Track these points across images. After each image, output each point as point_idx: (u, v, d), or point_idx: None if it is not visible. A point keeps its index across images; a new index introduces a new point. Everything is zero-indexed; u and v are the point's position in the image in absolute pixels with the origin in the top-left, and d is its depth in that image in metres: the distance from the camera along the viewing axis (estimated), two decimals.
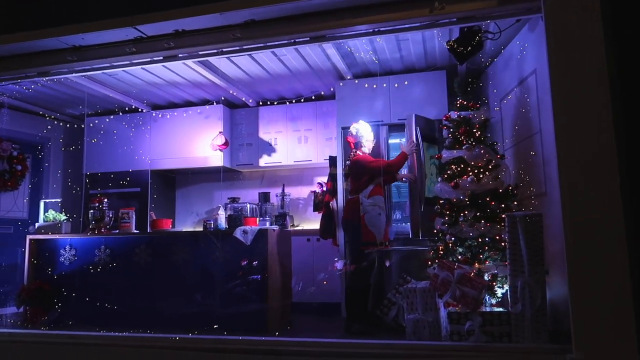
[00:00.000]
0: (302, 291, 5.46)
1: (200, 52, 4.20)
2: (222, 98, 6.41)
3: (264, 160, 6.49)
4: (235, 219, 4.74)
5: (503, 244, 3.68)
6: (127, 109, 6.61)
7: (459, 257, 3.82)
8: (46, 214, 5.46)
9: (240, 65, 5.35)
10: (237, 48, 4.11)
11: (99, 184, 6.55)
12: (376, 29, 3.76)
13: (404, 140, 5.02)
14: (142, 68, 5.01)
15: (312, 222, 6.38)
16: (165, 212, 6.79)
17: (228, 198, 6.13)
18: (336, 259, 5.28)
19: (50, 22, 4.07)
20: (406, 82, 5.44)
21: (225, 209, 5.30)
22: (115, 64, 4.38)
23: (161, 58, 4.28)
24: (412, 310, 3.82)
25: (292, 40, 3.95)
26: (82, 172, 6.69)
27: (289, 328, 4.64)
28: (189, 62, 4.84)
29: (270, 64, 5.35)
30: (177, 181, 7.19)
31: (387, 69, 5.55)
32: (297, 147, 6.39)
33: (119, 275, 4.82)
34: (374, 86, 5.50)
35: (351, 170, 4.78)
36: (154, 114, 6.71)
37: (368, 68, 5.54)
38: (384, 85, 5.48)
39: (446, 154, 4.14)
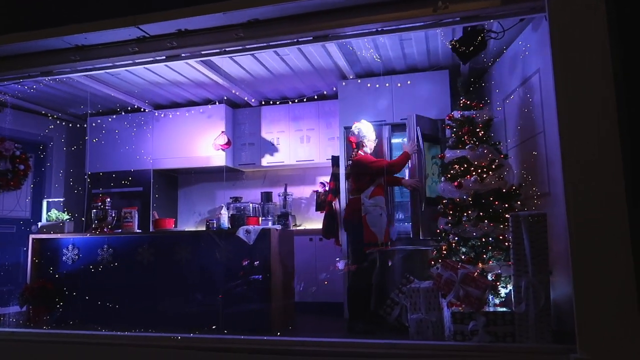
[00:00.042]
0: (304, 291, 5.46)
1: (203, 52, 4.20)
2: (225, 98, 6.41)
3: (267, 160, 6.49)
4: (238, 219, 4.75)
5: (507, 243, 3.67)
6: (129, 108, 6.63)
7: (463, 256, 3.82)
8: (49, 213, 5.46)
9: (243, 64, 5.35)
10: (240, 48, 4.10)
11: (101, 184, 6.56)
12: (379, 29, 3.75)
13: (405, 139, 5.01)
14: (144, 67, 5.01)
15: (315, 222, 6.37)
16: (168, 211, 6.80)
17: (230, 198, 6.14)
18: (338, 258, 5.28)
19: (53, 21, 4.07)
20: (409, 82, 5.42)
21: (227, 209, 5.31)
22: (118, 63, 4.38)
23: (164, 57, 4.27)
24: (415, 310, 3.82)
25: (295, 40, 3.94)
26: (85, 171, 6.69)
27: (290, 328, 4.64)
28: (192, 61, 4.84)
29: (273, 64, 5.35)
30: (179, 181, 7.19)
31: (390, 68, 5.54)
32: (299, 146, 6.38)
33: (121, 275, 4.83)
34: (377, 86, 5.50)
35: (352, 170, 4.77)
36: (156, 114, 6.71)
37: (371, 67, 5.53)
38: (387, 84, 5.47)
39: (449, 154, 4.13)
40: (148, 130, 6.68)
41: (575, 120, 2.92)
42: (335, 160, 5.61)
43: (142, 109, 6.69)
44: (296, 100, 6.42)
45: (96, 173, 6.65)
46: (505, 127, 4.78)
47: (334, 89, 6.00)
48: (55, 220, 5.30)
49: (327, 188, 5.89)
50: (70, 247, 5.02)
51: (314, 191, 6.50)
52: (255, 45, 4.06)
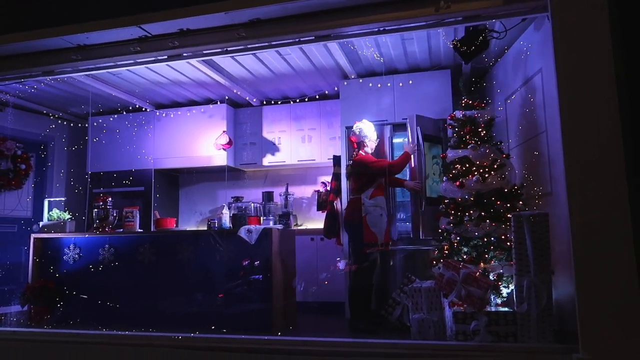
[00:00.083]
0: (306, 290, 5.46)
1: (205, 51, 4.20)
2: (226, 97, 6.41)
3: (268, 160, 6.49)
4: (240, 218, 4.75)
5: (508, 243, 3.67)
6: (130, 108, 6.63)
7: (464, 256, 3.81)
8: (50, 212, 5.47)
9: (245, 64, 5.35)
10: (242, 47, 4.10)
11: (102, 183, 6.57)
12: (382, 28, 3.75)
13: (406, 140, 5.02)
14: (146, 67, 5.01)
15: (316, 222, 6.37)
16: (169, 211, 6.80)
17: (231, 197, 6.15)
18: (338, 258, 5.28)
19: (55, 21, 4.07)
20: (410, 82, 5.42)
21: (229, 208, 5.30)
22: (119, 63, 4.38)
23: (166, 57, 4.28)
24: (417, 310, 3.82)
25: (297, 40, 3.94)
26: (86, 171, 6.69)
27: (292, 328, 4.64)
28: (193, 61, 4.83)
29: (275, 63, 5.35)
30: (180, 180, 7.19)
31: (392, 68, 5.54)
32: (300, 146, 6.38)
33: (123, 274, 4.83)
34: (379, 85, 5.49)
35: (353, 170, 4.76)
36: (157, 113, 6.71)
37: (372, 67, 5.53)
38: (388, 84, 5.47)
39: (451, 153, 4.13)
40: (149, 130, 6.68)
41: (577, 120, 2.92)
42: (336, 160, 5.60)
43: (143, 109, 6.69)
44: (298, 100, 6.41)
45: (97, 173, 6.65)
46: (507, 127, 4.78)
47: (336, 88, 6.00)
48: (57, 220, 5.30)
49: (328, 188, 5.89)
50: (71, 246, 5.03)
51: (315, 191, 6.50)
52: (257, 45, 4.06)
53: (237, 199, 6.12)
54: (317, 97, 6.30)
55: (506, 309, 3.52)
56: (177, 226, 6.04)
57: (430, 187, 4.88)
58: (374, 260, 4.47)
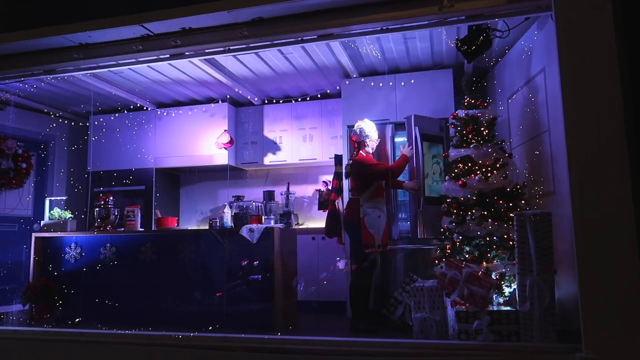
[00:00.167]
0: (307, 289, 5.46)
1: (207, 50, 4.20)
2: (228, 96, 6.40)
3: (269, 159, 6.48)
4: (242, 217, 4.74)
5: (511, 242, 3.67)
6: (132, 107, 6.62)
7: (467, 255, 3.81)
8: (51, 211, 5.46)
9: (246, 63, 5.34)
10: (244, 46, 4.11)
11: (102, 182, 6.56)
12: (384, 27, 3.75)
13: (404, 139, 5.02)
14: (148, 66, 5.02)
15: (317, 221, 6.37)
16: (170, 210, 6.79)
17: (233, 196, 6.14)
18: (338, 258, 5.27)
19: (57, 19, 4.07)
20: (412, 81, 5.42)
21: (230, 207, 5.29)
22: (121, 61, 4.38)
23: (168, 56, 4.28)
24: (419, 309, 3.81)
25: (300, 39, 3.95)
26: (87, 170, 6.68)
27: (293, 327, 4.63)
28: (195, 60, 4.82)
29: (277, 62, 5.34)
30: (181, 179, 7.18)
31: (394, 67, 5.53)
32: (302, 145, 6.38)
33: (124, 273, 4.83)
34: (380, 84, 5.49)
35: (352, 170, 4.75)
36: (159, 112, 6.71)
37: (374, 66, 5.53)
38: (390, 83, 5.47)
39: (453, 153, 4.13)
40: (150, 129, 6.67)
41: (581, 119, 2.92)
42: (338, 159, 5.60)
43: (144, 108, 6.68)
44: (299, 99, 6.41)
45: (97, 172, 6.64)
46: (509, 126, 4.78)
47: (338, 87, 6.00)
48: (58, 219, 5.29)
49: (329, 187, 5.88)
50: (72, 245, 5.02)
51: (316, 190, 6.50)
52: (259, 44, 4.06)
53: (238, 198, 6.10)
54: (319, 96, 6.30)
55: (509, 308, 3.52)
56: (178, 225, 6.03)
57: (429, 186, 4.88)
58: (373, 261, 4.46)
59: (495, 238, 3.75)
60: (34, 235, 5.15)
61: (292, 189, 6.30)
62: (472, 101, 4.16)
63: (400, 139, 5.35)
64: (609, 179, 2.84)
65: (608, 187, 2.84)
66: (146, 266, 4.78)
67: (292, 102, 6.45)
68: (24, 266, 5.39)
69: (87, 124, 6.79)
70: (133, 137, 6.67)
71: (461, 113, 4.18)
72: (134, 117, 6.70)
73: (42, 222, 5.37)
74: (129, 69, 5.08)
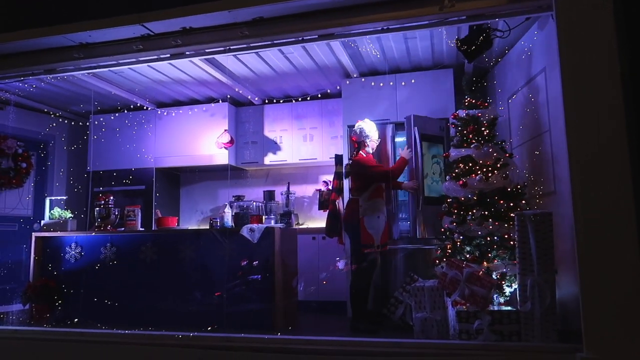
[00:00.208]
0: (307, 289, 5.46)
1: (207, 50, 4.19)
2: (228, 96, 6.40)
3: (269, 159, 6.48)
4: (242, 217, 4.74)
5: (512, 242, 3.67)
6: (132, 106, 6.62)
7: (467, 255, 3.81)
8: (52, 211, 5.45)
9: (247, 62, 5.34)
10: (245, 46, 4.11)
11: (103, 182, 6.55)
12: (385, 27, 3.74)
13: (404, 139, 5.02)
14: (148, 65, 5.02)
15: (317, 221, 6.37)
16: (170, 210, 6.79)
17: (233, 196, 6.14)
18: (338, 258, 5.27)
19: (57, 19, 4.06)
20: (413, 81, 5.42)
21: (231, 207, 5.29)
22: (122, 61, 4.38)
23: (168, 55, 4.28)
24: (420, 309, 3.81)
25: (300, 38, 3.94)
26: (87, 169, 6.68)
27: (294, 327, 4.63)
28: (196, 59, 4.82)
29: (277, 62, 5.34)
30: (181, 179, 7.18)
31: (394, 67, 5.53)
32: (302, 145, 6.38)
33: (124, 273, 4.82)
34: (381, 84, 5.49)
35: (352, 170, 4.75)
36: (159, 112, 6.70)
37: (375, 66, 5.53)
38: (391, 83, 5.47)
39: (454, 152, 4.12)
40: (150, 129, 6.67)
41: (582, 118, 2.92)
42: (339, 159, 5.60)
43: (144, 107, 6.68)
44: (300, 99, 6.42)
45: (97, 171, 6.63)
46: (509, 126, 4.78)
47: (338, 87, 6.00)
48: (59, 219, 5.29)
49: (330, 187, 5.88)
50: (73, 245, 5.01)
51: (316, 190, 6.50)
52: (260, 44, 4.05)
53: (239, 197, 6.11)
54: (319, 95, 6.30)
55: (509, 308, 3.52)
56: (178, 225, 6.03)
57: (429, 186, 4.88)
58: (373, 261, 4.45)
59: (496, 238, 3.75)
60: (34, 234, 5.14)
61: (292, 188, 6.29)
62: (473, 101, 4.16)
63: (400, 139, 5.35)
64: (610, 179, 2.84)
65: (609, 187, 2.83)
66: (146, 266, 4.78)
67: (292, 101, 6.45)
68: (24, 266, 5.39)
69: (87, 123, 6.78)
70: (133, 136, 6.67)
71: (462, 113, 4.17)
72: (134, 116, 6.70)
73: (43, 222, 5.37)
74: (129, 68, 5.08)
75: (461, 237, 3.90)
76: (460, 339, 3.44)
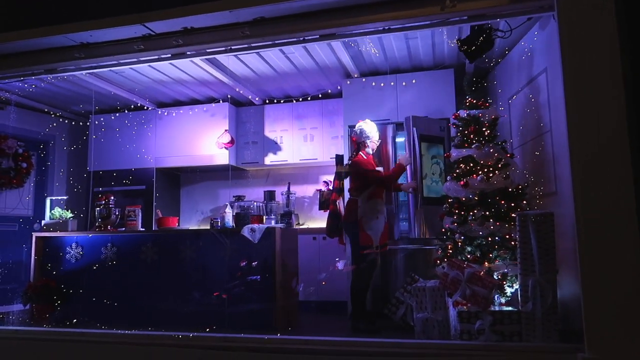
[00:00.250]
0: (308, 289, 5.45)
1: (209, 50, 4.19)
2: (228, 96, 6.40)
3: (270, 159, 6.48)
4: (243, 217, 4.73)
5: (513, 242, 3.67)
6: (132, 106, 6.62)
7: (468, 256, 3.81)
8: (52, 211, 5.45)
9: (248, 63, 5.34)
10: (246, 46, 4.10)
11: (103, 182, 6.55)
12: (387, 27, 3.74)
13: (404, 139, 5.01)
14: (149, 65, 5.01)
15: (318, 221, 6.37)
16: (170, 210, 6.78)
17: (233, 196, 6.13)
18: (337, 258, 5.27)
19: (58, 19, 4.05)
20: (414, 81, 5.42)
21: (231, 207, 5.29)
22: (123, 61, 4.37)
23: (169, 55, 4.27)
24: (421, 309, 3.81)
25: (302, 38, 3.94)
26: (88, 169, 6.67)
27: (294, 327, 4.62)
28: (196, 59, 4.82)
29: (278, 62, 5.34)
30: (182, 179, 7.18)
31: (395, 67, 5.53)
32: (302, 145, 6.38)
33: (125, 273, 4.82)
34: (382, 84, 5.49)
35: (351, 170, 4.75)
36: (159, 112, 6.70)
37: (375, 66, 5.52)
38: (392, 83, 5.47)
39: (455, 153, 4.12)
40: (151, 129, 6.67)
41: (584, 119, 2.92)
42: (339, 159, 5.59)
43: (145, 107, 6.67)
44: (300, 99, 6.41)
45: (97, 171, 6.62)
46: (510, 126, 4.78)
47: (339, 87, 6.00)
48: (59, 219, 5.29)
49: (330, 187, 5.88)
50: (73, 245, 5.01)
51: (317, 190, 6.49)
52: (261, 44, 4.05)
53: (239, 198, 6.10)
54: (320, 96, 6.30)
55: (511, 308, 3.51)
56: (178, 225, 6.03)
57: (428, 187, 4.89)
58: (372, 262, 4.44)
59: (497, 238, 3.75)
60: (34, 234, 5.15)
61: (292, 189, 6.29)
62: (474, 101, 4.15)
63: (400, 139, 5.35)
64: (611, 179, 2.84)
65: (610, 187, 2.84)
66: (147, 266, 4.78)
67: (293, 102, 6.45)
68: (24, 266, 5.39)
69: (87, 123, 6.78)
70: (133, 136, 6.66)
71: (463, 113, 4.17)
72: (135, 116, 6.69)
73: (43, 222, 5.37)
74: (130, 68, 5.08)
75: (462, 238, 3.89)
76: (461, 339, 3.44)
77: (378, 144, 4.77)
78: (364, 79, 5.62)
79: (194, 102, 6.69)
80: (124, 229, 5.11)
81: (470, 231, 3.84)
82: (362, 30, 3.79)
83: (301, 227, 6.26)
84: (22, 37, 4.12)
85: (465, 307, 3.52)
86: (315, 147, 6.32)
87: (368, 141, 4.65)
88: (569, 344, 3.08)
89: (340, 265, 5.19)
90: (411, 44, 4.94)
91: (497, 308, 3.52)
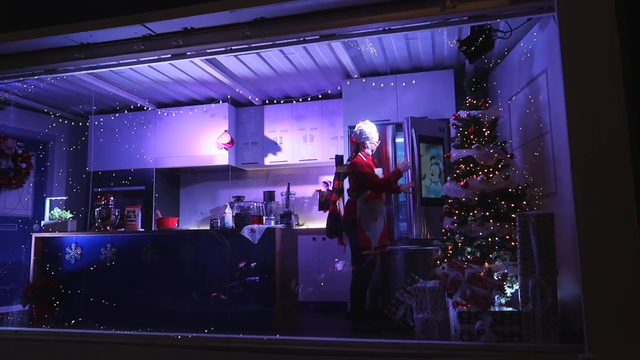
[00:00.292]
0: (308, 290, 5.45)
1: (209, 50, 4.18)
2: (228, 96, 6.40)
3: (269, 159, 6.48)
4: (243, 218, 4.73)
5: (513, 243, 3.67)
6: (132, 107, 6.61)
7: (468, 256, 3.81)
8: (52, 212, 5.44)
9: (248, 63, 5.34)
10: (246, 46, 4.09)
11: (103, 182, 6.54)
12: (387, 28, 3.74)
13: (402, 139, 5.02)
14: (148, 66, 5.01)
15: (317, 221, 6.37)
16: (170, 210, 6.78)
17: (233, 197, 6.13)
18: (336, 259, 5.27)
19: (58, 19, 4.05)
20: (414, 81, 5.43)
21: (231, 208, 5.29)
22: (122, 61, 4.36)
23: (169, 56, 4.26)
24: (421, 310, 3.81)
25: (302, 39, 3.93)
26: (87, 170, 6.67)
27: (294, 327, 4.62)
28: (196, 60, 4.82)
29: (278, 62, 5.34)
30: (181, 179, 7.18)
31: (395, 67, 5.53)
32: (302, 145, 6.38)
33: (125, 274, 4.82)
34: (382, 85, 5.49)
35: (349, 171, 4.74)
36: (159, 112, 6.70)
37: (375, 67, 5.53)
38: (392, 84, 5.47)
39: (455, 153, 4.12)
40: (150, 129, 6.66)
41: (584, 119, 2.92)
42: (339, 159, 5.58)
43: (144, 108, 6.67)
44: (300, 100, 6.41)
45: (96, 172, 6.61)
46: (510, 127, 4.78)
47: (338, 88, 6.00)
48: (59, 219, 5.28)
49: (330, 187, 5.87)
50: (73, 245, 5.01)
51: (316, 190, 6.49)
52: (261, 44, 4.04)
53: (239, 198, 6.10)
54: (320, 96, 6.30)
55: (511, 308, 3.51)
56: (178, 226, 6.03)
57: (427, 187, 4.89)
58: (371, 263, 4.44)
59: (497, 239, 3.75)
60: (34, 235, 5.14)
61: (292, 189, 6.28)
62: (474, 102, 4.16)
63: (400, 140, 5.35)
64: (612, 180, 2.84)
65: (610, 187, 2.83)
66: (147, 266, 4.77)
67: (292, 102, 6.45)
68: (24, 266, 5.38)
69: (87, 124, 6.77)
70: (133, 137, 6.66)
71: (463, 114, 4.17)
72: (134, 117, 6.69)
73: (43, 222, 5.36)
74: (129, 68, 5.08)
75: (462, 238, 3.90)
76: (461, 339, 3.43)
77: (378, 144, 4.77)
78: (364, 80, 5.63)
79: (194, 102, 6.68)
80: (123, 229, 5.11)
81: (470, 232, 3.84)
82: (362, 31, 3.79)
83: (301, 227, 6.26)
84: (22, 37, 4.12)
85: (465, 307, 3.52)
86: (315, 147, 6.32)
87: (367, 142, 4.65)
88: (569, 345, 3.08)
89: (339, 266, 5.19)
90: (411, 44, 4.94)
91: (497, 308, 3.52)
